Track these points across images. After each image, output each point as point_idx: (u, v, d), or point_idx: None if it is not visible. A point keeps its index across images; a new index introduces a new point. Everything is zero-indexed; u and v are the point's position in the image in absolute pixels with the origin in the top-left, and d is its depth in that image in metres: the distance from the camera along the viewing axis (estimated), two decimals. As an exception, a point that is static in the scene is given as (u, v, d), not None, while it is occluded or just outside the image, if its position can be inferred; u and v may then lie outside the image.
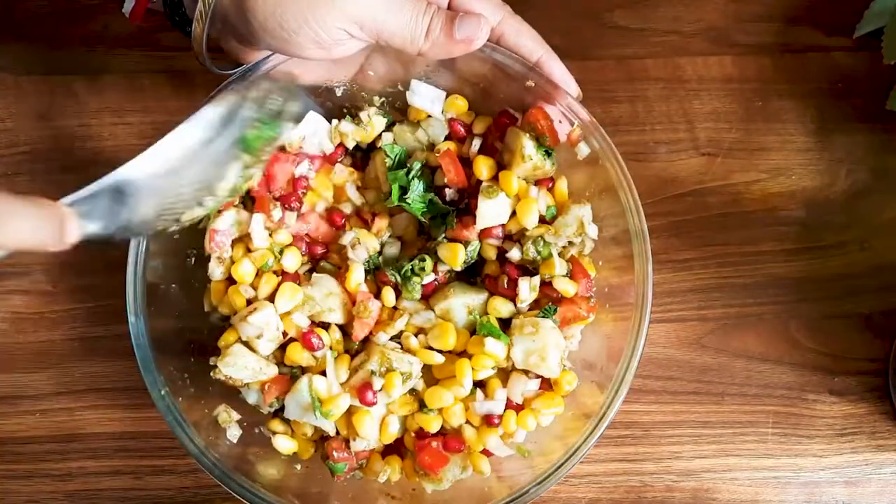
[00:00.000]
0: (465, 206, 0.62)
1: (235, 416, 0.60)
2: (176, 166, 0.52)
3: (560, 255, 0.60)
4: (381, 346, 0.59)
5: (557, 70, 0.60)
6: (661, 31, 0.74)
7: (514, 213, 0.61)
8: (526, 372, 0.60)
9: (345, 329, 0.61)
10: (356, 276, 0.60)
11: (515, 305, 0.61)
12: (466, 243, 0.60)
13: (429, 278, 0.61)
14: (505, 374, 0.61)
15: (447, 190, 0.62)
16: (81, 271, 0.69)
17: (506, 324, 0.61)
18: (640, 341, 0.57)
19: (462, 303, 0.61)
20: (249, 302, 0.59)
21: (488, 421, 0.59)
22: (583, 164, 0.60)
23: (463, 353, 0.60)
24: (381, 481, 0.60)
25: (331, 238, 0.63)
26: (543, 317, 0.59)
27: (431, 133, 0.63)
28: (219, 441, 0.58)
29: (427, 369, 0.60)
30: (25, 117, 0.71)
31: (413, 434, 0.61)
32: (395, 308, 0.61)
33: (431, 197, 0.62)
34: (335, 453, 0.59)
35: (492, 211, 0.59)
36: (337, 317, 0.60)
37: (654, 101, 0.73)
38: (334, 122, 0.63)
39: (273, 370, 0.59)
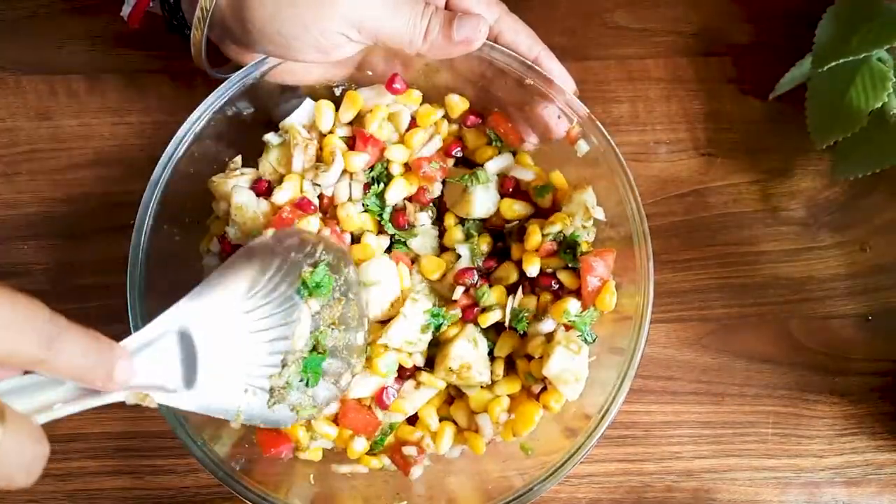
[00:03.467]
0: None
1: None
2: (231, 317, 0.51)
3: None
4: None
5: (555, 68, 0.60)
6: (661, 31, 0.74)
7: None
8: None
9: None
10: None
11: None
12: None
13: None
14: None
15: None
16: (81, 271, 0.69)
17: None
18: (640, 341, 0.57)
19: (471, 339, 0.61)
20: None
21: None
22: (582, 161, 0.60)
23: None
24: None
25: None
26: (584, 342, 0.59)
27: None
28: (221, 440, 0.58)
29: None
30: (25, 117, 0.71)
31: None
32: None
33: None
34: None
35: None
36: None
37: (655, 101, 0.73)
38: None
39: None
